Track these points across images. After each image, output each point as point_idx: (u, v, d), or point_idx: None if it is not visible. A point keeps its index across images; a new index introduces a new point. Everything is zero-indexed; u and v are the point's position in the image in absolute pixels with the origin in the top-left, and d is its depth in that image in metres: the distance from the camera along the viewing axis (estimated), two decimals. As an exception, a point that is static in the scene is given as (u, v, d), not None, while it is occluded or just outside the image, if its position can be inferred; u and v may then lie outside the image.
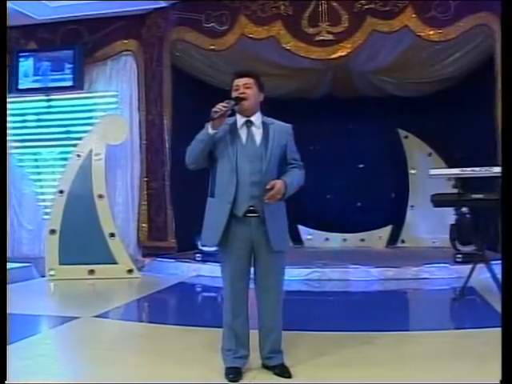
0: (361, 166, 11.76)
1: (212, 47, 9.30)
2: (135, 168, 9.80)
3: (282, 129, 3.93)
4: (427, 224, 10.94)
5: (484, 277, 6.83)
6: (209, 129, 3.72)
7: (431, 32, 8.55)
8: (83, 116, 9.91)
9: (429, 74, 9.33)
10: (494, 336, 4.39)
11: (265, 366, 3.92)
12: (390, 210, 11.40)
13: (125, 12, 9.57)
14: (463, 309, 6.02)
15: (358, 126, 11.39)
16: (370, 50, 8.84)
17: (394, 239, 11.29)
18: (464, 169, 6.35)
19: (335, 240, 11.49)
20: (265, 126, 3.88)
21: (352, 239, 11.48)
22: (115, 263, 8.37)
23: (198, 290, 8.07)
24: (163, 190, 9.70)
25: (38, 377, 3.86)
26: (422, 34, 8.57)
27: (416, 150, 11.34)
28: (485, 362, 3.99)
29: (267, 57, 9.01)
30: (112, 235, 8.39)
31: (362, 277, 7.94)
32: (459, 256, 8.10)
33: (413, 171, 11.27)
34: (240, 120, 3.86)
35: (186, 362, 4.16)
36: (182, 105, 9.78)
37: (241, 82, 3.84)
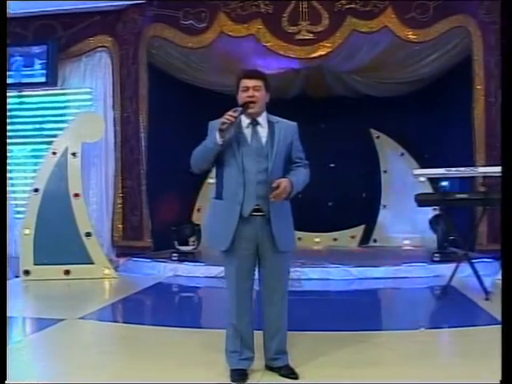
0: (332, 165, 11.76)
1: (190, 45, 9.18)
2: (110, 166, 9.58)
3: (287, 127, 3.87)
4: (399, 224, 11.07)
5: (461, 276, 6.92)
6: (217, 138, 3.63)
7: (410, 33, 8.64)
8: (56, 113, 9.69)
9: (405, 74, 9.41)
10: (490, 334, 4.50)
11: (269, 368, 3.87)
12: (362, 209, 11.43)
13: (100, 7, 9.35)
14: (450, 307, 6.08)
15: (330, 126, 11.39)
16: (349, 49, 8.86)
17: (366, 239, 11.37)
18: (449, 169, 6.40)
19: (307, 239, 11.47)
20: (270, 124, 3.82)
21: (324, 239, 11.50)
22: (91, 263, 8.18)
23: (178, 290, 7.96)
24: (139, 188, 9.51)
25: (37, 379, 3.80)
26: (401, 35, 8.65)
27: (388, 150, 11.43)
28: (483, 360, 4.03)
29: (246, 55, 8.94)
30: (88, 235, 8.18)
31: (341, 276, 7.96)
32: (437, 255, 8.20)
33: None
34: (245, 121, 3.79)
35: (189, 364, 4.10)
36: (158, 102, 9.58)
37: (250, 83, 3.76)
